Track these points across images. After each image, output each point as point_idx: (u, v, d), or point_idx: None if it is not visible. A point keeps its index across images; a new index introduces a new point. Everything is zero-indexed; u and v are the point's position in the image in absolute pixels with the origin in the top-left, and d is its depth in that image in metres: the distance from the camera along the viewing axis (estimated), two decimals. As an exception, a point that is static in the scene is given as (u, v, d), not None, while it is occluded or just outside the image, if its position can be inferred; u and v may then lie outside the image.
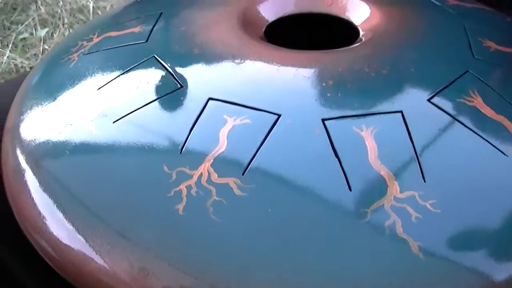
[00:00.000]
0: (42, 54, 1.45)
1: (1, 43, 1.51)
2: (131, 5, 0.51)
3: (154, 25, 0.44)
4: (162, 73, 0.39)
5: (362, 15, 0.44)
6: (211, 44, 0.40)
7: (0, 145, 0.42)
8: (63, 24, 1.52)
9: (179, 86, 0.38)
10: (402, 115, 0.35)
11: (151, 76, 0.39)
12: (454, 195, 0.32)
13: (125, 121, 0.37)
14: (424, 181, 0.32)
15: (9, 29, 1.57)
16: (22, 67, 1.43)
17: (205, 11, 0.45)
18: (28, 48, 1.49)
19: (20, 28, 1.52)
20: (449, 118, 0.35)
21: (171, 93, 0.37)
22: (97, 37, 0.45)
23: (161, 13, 0.45)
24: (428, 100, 0.36)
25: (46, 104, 0.41)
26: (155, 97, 0.37)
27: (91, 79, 0.41)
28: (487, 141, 0.34)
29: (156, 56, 0.40)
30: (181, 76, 0.38)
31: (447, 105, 0.36)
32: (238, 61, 0.39)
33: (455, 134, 0.35)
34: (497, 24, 0.47)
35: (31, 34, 1.53)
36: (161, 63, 0.40)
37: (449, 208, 0.31)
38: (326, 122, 0.34)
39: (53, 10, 1.58)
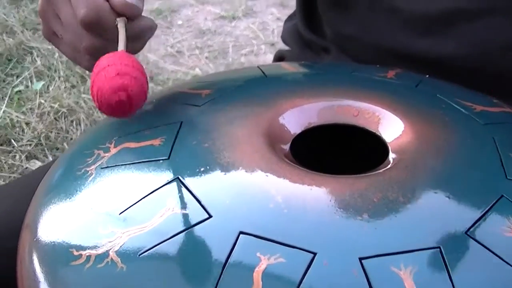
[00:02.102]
0: (38, 109, 1.43)
1: (-4, 96, 1.50)
2: (147, 105, 0.50)
3: (175, 139, 0.43)
4: (188, 199, 0.38)
5: (392, 130, 0.42)
6: (238, 167, 0.39)
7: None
8: (59, 77, 1.51)
9: (207, 216, 0.36)
10: (441, 251, 0.34)
11: (177, 202, 0.38)
12: None
13: (151, 254, 0.35)
14: (466, 326, 0.31)
15: (4, 81, 1.55)
16: (17, 121, 1.42)
17: (226, 121, 0.44)
18: (24, 102, 1.47)
19: (16, 82, 1.51)
20: (488, 253, 0.34)
21: (199, 223, 0.36)
22: (114, 147, 0.44)
23: (181, 122, 0.44)
24: (465, 233, 0.35)
25: (65, 217, 0.40)
26: (182, 228, 0.36)
27: (111, 200, 0.40)
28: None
29: (180, 178, 0.39)
30: (208, 204, 0.37)
31: (485, 238, 0.35)
32: (267, 188, 0.37)
33: (495, 271, 0.34)
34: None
35: (27, 86, 1.52)
36: (186, 187, 0.38)
37: None
38: (363, 261, 0.33)
39: (49, 62, 1.57)
